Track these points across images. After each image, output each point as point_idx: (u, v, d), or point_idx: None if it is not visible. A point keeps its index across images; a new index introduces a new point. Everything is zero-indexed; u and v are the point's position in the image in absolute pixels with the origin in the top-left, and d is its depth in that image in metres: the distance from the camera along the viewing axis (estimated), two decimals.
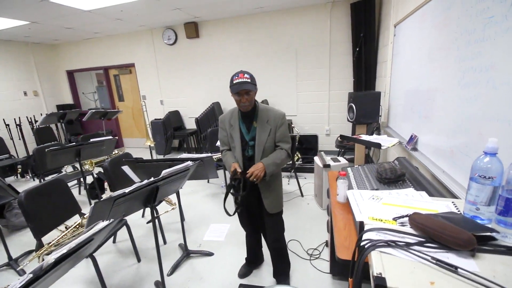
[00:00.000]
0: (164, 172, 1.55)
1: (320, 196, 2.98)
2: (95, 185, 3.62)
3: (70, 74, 6.57)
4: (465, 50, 1.41)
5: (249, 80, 1.57)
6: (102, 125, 4.66)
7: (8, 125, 5.34)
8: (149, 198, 1.59)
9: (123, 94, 6.30)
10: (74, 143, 2.74)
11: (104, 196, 3.65)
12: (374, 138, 2.51)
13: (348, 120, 3.22)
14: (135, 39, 5.59)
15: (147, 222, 2.13)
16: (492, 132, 1.19)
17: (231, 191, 1.73)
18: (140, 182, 1.42)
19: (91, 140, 2.87)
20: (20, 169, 4.84)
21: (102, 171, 3.09)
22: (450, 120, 1.59)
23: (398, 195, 0.99)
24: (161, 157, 5.56)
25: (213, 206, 3.25)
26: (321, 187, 2.93)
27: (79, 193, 3.94)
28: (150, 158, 4.18)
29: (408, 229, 0.73)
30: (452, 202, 0.89)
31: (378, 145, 2.25)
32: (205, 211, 3.13)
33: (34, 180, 4.65)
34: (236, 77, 1.57)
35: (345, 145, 3.83)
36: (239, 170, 1.67)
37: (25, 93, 5.89)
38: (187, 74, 5.43)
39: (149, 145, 4.05)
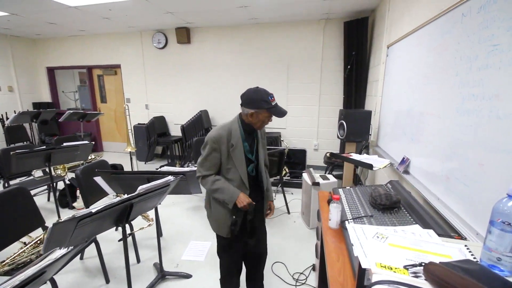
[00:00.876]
0: (141, 188, 1.38)
1: (308, 214, 2.87)
2: (67, 192, 3.34)
3: (51, 71, 6.23)
4: (466, 76, 1.36)
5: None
6: (80, 127, 4.37)
7: None
8: (122, 216, 1.41)
9: (106, 96, 6.03)
10: (44, 147, 2.50)
11: (75, 205, 3.38)
12: (365, 158, 2.45)
13: (338, 137, 3.17)
14: (123, 40, 5.39)
15: (119, 240, 1.93)
16: (495, 163, 1.13)
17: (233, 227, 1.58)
18: (114, 194, 1.26)
19: (64, 144, 2.64)
20: None
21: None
22: (446, 146, 1.54)
23: (404, 232, 0.88)
24: (142, 163, 5.30)
25: (194, 221, 3.06)
26: (309, 205, 2.83)
27: (48, 200, 3.62)
28: (130, 165, 3.94)
29: (423, 282, 0.62)
30: (466, 246, 0.80)
31: (369, 166, 2.19)
32: (185, 226, 2.93)
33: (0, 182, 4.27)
34: (271, 98, 1.50)
35: (334, 162, 3.78)
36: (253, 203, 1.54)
37: None
38: (175, 80, 5.26)
39: (129, 151, 3.81)
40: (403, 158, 2.20)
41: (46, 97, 6.32)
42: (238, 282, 1.86)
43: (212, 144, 1.52)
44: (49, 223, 2.93)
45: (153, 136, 5.12)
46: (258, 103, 1.48)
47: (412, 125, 2.09)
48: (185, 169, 1.78)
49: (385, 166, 2.25)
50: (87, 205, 2.23)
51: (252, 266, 1.87)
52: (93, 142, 2.96)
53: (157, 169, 4.86)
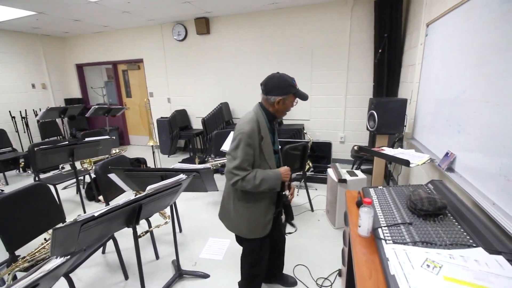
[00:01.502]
0: (150, 188, 1.28)
1: (333, 213, 2.66)
2: (92, 185, 3.43)
3: (80, 68, 6.47)
4: None
5: None
6: (105, 122, 4.48)
7: (14, 117, 5.26)
8: (131, 217, 1.33)
9: (131, 90, 6.15)
10: (66, 143, 2.53)
11: (101, 199, 3.46)
12: (399, 153, 2.18)
13: (367, 129, 2.88)
14: (144, 34, 5.40)
15: (138, 237, 1.89)
16: None
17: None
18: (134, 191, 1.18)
19: (86, 139, 2.66)
20: (22, 163, 4.73)
21: None
22: (507, 140, 1.25)
23: (463, 260, 0.68)
24: (165, 157, 5.36)
25: (214, 216, 2.97)
26: (335, 203, 2.62)
27: (77, 193, 3.76)
28: (153, 158, 3.96)
29: None
30: None
31: (406, 163, 1.93)
32: (204, 221, 2.87)
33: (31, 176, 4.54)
34: (295, 82, 1.49)
35: (362, 156, 3.49)
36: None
37: (33, 86, 5.81)
38: (196, 72, 5.19)
39: (152, 145, 3.82)
40: (447, 153, 1.90)
41: (76, 93, 6.59)
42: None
43: (247, 140, 1.40)
44: (74, 216, 3.03)
45: (175, 130, 5.13)
46: (287, 88, 1.44)
47: (460, 114, 1.78)
48: (200, 166, 1.67)
49: (424, 163, 1.97)
50: (106, 201, 2.22)
51: (276, 254, 1.85)
52: (114, 137, 2.97)
53: (179, 162, 4.91)
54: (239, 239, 1.76)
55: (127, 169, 1.66)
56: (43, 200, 1.91)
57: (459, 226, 1.21)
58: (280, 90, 1.43)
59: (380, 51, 3.63)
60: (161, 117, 5.42)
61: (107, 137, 2.78)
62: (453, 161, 1.83)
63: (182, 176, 1.44)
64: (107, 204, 2.23)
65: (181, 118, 5.33)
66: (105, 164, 2.17)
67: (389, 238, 1.18)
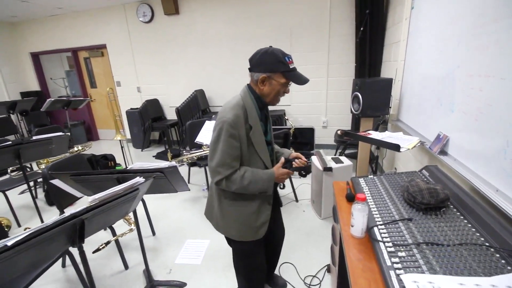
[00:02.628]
0: (93, 199, 1.01)
1: (319, 203, 2.51)
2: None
3: (35, 57, 5.79)
4: None
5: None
6: (66, 116, 4.01)
7: None
8: (73, 236, 1.06)
9: (96, 80, 5.60)
10: (9, 143, 2.15)
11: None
12: (387, 137, 2.01)
13: (351, 112, 2.71)
14: (105, 16, 4.85)
15: (94, 252, 1.62)
16: None
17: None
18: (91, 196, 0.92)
19: (34, 138, 2.28)
20: None
21: None
22: None
23: None
24: (139, 151, 4.98)
25: (192, 214, 2.74)
26: (320, 193, 2.45)
27: (36, 197, 3.36)
28: (122, 154, 3.61)
29: None
30: None
31: (396, 147, 1.76)
32: (181, 222, 2.62)
33: None
34: (289, 59, 1.18)
35: (346, 140, 3.35)
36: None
37: None
38: (166, 57, 4.77)
39: (120, 140, 3.46)
40: (439, 135, 1.76)
41: (34, 86, 5.94)
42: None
43: (230, 131, 1.14)
44: (33, 223, 2.66)
45: (147, 121, 4.75)
46: (274, 65, 1.16)
47: (454, 92, 1.62)
48: (164, 164, 1.40)
49: (414, 146, 1.82)
50: (60, 209, 1.91)
51: (274, 250, 1.69)
52: (69, 134, 2.59)
53: (153, 156, 4.57)
54: (228, 240, 1.52)
55: (73, 173, 1.36)
56: None
57: (466, 221, 1.05)
58: (264, 65, 1.16)
59: (361, 29, 3.43)
60: (131, 108, 4.99)
61: (60, 133, 2.41)
62: (446, 143, 1.68)
63: (139, 179, 1.17)
64: (62, 212, 1.92)
65: (153, 109, 4.93)
66: (52, 167, 1.84)
67: (388, 239, 1.00)
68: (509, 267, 0.78)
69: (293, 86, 1.31)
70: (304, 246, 2.16)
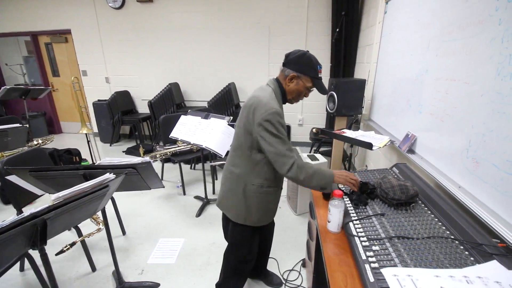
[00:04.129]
0: (56, 197, 0.92)
1: (295, 199, 2.55)
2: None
3: None
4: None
5: None
6: (24, 106, 3.65)
7: None
8: (34, 238, 0.96)
9: (58, 68, 5.17)
10: None
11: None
12: (360, 135, 2.09)
13: (327, 111, 2.78)
14: None
15: (57, 254, 1.49)
16: None
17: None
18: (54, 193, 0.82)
19: None
20: None
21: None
22: (476, 121, 1.18)
23: (483, 283, 0.53)
24: (107, 146, 4.71)
25: (165, 212, 2.65)
26: (296, 189, 2.50)
27: None
28: (89, 149, 3.38)
29: None
30: None
31: (369, 146, 1.83)
32: (153, 220, 2.52)
33: None
34: (320, 68, 1.29)
35: (321, 138, 3.43)
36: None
37: None
38: (138, 48, 4.53)
39: (86, 133, 3.23)
40: (407, 134, 1.86)
41: None
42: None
43: (280, 120, 1.20)
44: None
45: (116, 114, 4.49)
46: (305, 66, 1.25)
47: (421, 94, 1.72)
48: (136, 160, 1.33)
49: (385, 145, 1.91)
50: (18, 208, 1.73)
51: (267, 244, 1.71)
52: (27, 125, 2.37)
53: (123, 151, 4.34)
54: (226, 230, 1.54)
55: (32, 169, 1.23)
56: None
57: (432, 215, 1.12)
58: (298, 65, 1.25)
59: (337, 30, 3.52)
60: (99, 100, 4.69)
61: (17, 125, 2.19)
62: (414, 142, 1.78)
63: (109, 175, 1.10)
64: (20, 211, 1.75)
65: (123, 101, 4.68)
66: (8, 161, 1.67)
67: (362, 234, 1.04)
68: (472, 258, 0.84)
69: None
70: (280, 241, 2.19)
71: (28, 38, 5.07)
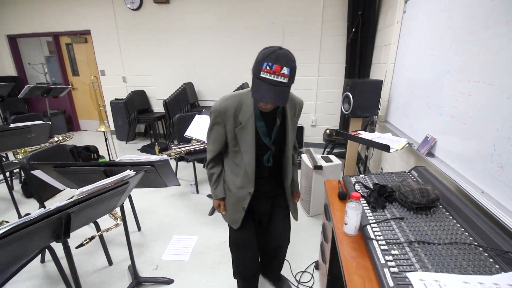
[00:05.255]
0: (80, 192, 0.96)
1: (308, 200, 2.53)
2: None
3: (12, 40, 5.44)
4: None
5: (284, 81, 0.97)
6: (46, 104, 3.80)
7: None
8: (58, 230, 1.00)
9: (78, 68, 5.35)
10: None
11: None
12: (377, 137, 2.06)
13: (343, 112, 2.75)
14: (90, 0, 4.62)
15: (77, 247, 1.55)
16: None
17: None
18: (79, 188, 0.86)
19: (11, 125, 2.14)
20: None
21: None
22: (504, 125, 1.13)
23: None
24: (123, 143, 4.83)
25: (178, 210, 2.69)
26: (309, 191, 2.48)
27: (12, 189, 3.17)
28: (106, 146, 3.47)
29: None
30: None
31: (386, 148, 1.80)
32: (167, 217, 2.56)
33: None
34: (268, 67, 0.95)
35: (334, 140, 3.40)
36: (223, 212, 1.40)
37: None
38: (154, 48, 4.62)
39: (104, 131, 3.32)
40: (426, 137, 1.81)
41: (11, 71, 5.59)
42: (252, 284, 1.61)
43: (215, 117, 1.19)
44: (8, 216, 2.51)
45: (132, 113, 4.60)
46: (255, 65, 1.00)
47: (442, 96, 1.67)
48: (154, 158, 1.36)
49: (402, 147, 1.87)
50: (40, 201, 1.81)
51: (268, 260, 1.70)
52: (49, 123, 2.46)
53: (138, 149, 4.44)
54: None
55: (57, 164, 1.28)
56: None
57: (454, 221, 1.09)
58: (254, 65, 1.02)
59: (353, 30, 3.48)
60: (116, 99, 4.81)
61: (40, 122, 2.28)
62: (434, 145, 1.74)
63: (129, 172, 1.13)
64: (42, 205, 1.82)
65: (139, 100, 4.78)
66: (33, 156, 1.74)
67: (381, 237, 1.02)
68: (497, 266, 0.81)
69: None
70: (293, 242, 2.17)
71: (50, 38, 5.27)
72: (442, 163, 1.60)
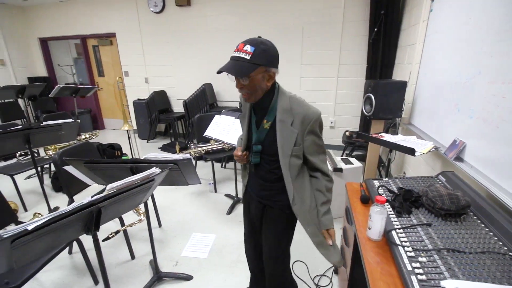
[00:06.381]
0: (110, 187, 1.00)
1: None
2: (58, 175, 3.05)
3: (44, 42, 5.78)
4: None
5: (245, 57, 1.00)
6: (74, 103, 4.00)
7: None
8: (89, 223, 1.05)
9: (103, 69, 5.58)
10: (20, 127, 2.15)
11: None
12: (401, 140, 2.00)
13: (364, 114, 2.69)
14: (116, 4, 4.82)
15: (103, 240, 1.63)
16: None
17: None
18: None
19: (44, 123, 2.27)
20: None
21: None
22: None
23: None
24: (144, 142, 4.98)
25: (197, 208, 2.74)
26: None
27: (43, 183, 3.36)
28: (129, 144, 3.60)
29: None
30: None
31: (411, 151, 1.74)
32: (187, 215, 2.62)
33: None
34: (236, 46, 1.05)
35: (354, 142, 3.33)
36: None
37: None
38: (175, 49, 4.74)
39: (127, 130, 3.45)
40: (455, 141, 1.74)
41: (42, 72, 5.93)
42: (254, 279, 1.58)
43: (240, 105, 1.31)
44: (39, 209, 2.65)
45: (154, 113, 4.73)
46: None
47: (473, 98, 1.59)
48: (178, 156, 1.39)
49: (428, 151, 1.80)
50: (70, 196, 1.91)
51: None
52: (79, 121, 2.58)
53: (159, 148, 4.57)
54: None
55: (87, 161, 1.35)
56: None
57: (487, 229, 1.03)
58: None
59: (375, 29, 3.40)
60: (138, 99, 4.98)
61: (70, 120, 2.40)
62: (462, 149, 1.66)
63: (155, 170, 1.17)
64: (71, 199, 1.92)
65: (160, 100, 4.92)
66: (64, 153, 1.84)
67: (407, 243, 0.99)
68: None
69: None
70: (310, 245, 2.15)
71: (78, 41, 5.55)
72: (472, 168, 1.52)
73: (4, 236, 0.75)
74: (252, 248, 1.47)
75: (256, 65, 1.00)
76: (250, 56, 0.99)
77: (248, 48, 1.00)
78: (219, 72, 1.02)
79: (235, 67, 1.00)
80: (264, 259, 1.36)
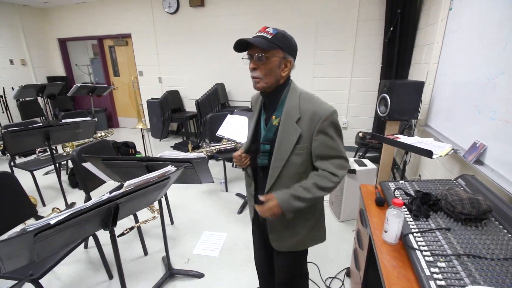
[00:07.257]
0: (128, 185, 1.02)
1: (339, 205, 2.47)
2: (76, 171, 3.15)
3: (62, 43, 5.97)
4: None
5: (267, 36, 0.99)
6: (91, 102, 4.12)
7: None
8: (106, 219, 1.08)
9: (119, 69, 5.71)
10: (40, 125, 2.23)
11: None
12: (417, 142, 1.95)
13: (378, 114, 2.64)
14: (131, 6, 4.92)
15: (118, 236, 1.66)
16: None
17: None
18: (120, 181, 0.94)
19: (63, 121, 2.35)
20: (1, 146, 4.37)
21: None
22: None
23: None
24: (157, 140, 5.07)
25: (209, 207, 2.76)
26: (341, 195, 2.41)
27: (60, 179, 3.47)
28: (142, 142, 3.67)
29: None
30: None
31: (428, 153, 1.70)
32: (198, 213, 2.64)
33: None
34: (257, 31, 1.06)
35: (368, 143, 3.27)
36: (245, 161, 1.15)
37: (11, 62, 5.34)
38: (189, 49, 4.80)
39: (141, 129, 3.51)
40: (475, 143, 1.68)
41: (60, 71, 6.13)
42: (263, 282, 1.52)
43: (251, 105, 1.30)
44: (56, 204, 2.74)
45: (167, 112, 4.81)
46: None
47: (495, 100, 1.54)
48: (192, 155, 1.41)
49: (447, 153, 1.75)
50: (86, 192, 1.96)
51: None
52: (96, 119, 2.65)
53: (171, 147, 4.64)
54: None
55: (105, 158, 1.38)
56: (9, 193, 1.63)
57: (510, 235, 0.99)
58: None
59: (391, 29, 3.32)
60: (152, 98, 5.07)
61: (87, 118, 2.47)
62: (483, 152, 1.60)
63: (170, 168, 1.18)
64: (88, 195, 1.97)
65: (173, 100, 4.99)
66: (82, 150, 1.89)
67: (425, 248, 0.97)
68: None
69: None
70: (323, 247, 2.13)
71: (94, 41, 5.70)
72: (493, 172, 1.47)
73: (28, 230, 0.78)
74: (260, 249, 1.38)
75: (276, 45, 1.00)
76: (271, 36, 1.00)
77: (270, 29, 1.02)
78: (237, 44, 1.02)
79: (256, 39, 1.00)
80: (276, 285, 1.31)
